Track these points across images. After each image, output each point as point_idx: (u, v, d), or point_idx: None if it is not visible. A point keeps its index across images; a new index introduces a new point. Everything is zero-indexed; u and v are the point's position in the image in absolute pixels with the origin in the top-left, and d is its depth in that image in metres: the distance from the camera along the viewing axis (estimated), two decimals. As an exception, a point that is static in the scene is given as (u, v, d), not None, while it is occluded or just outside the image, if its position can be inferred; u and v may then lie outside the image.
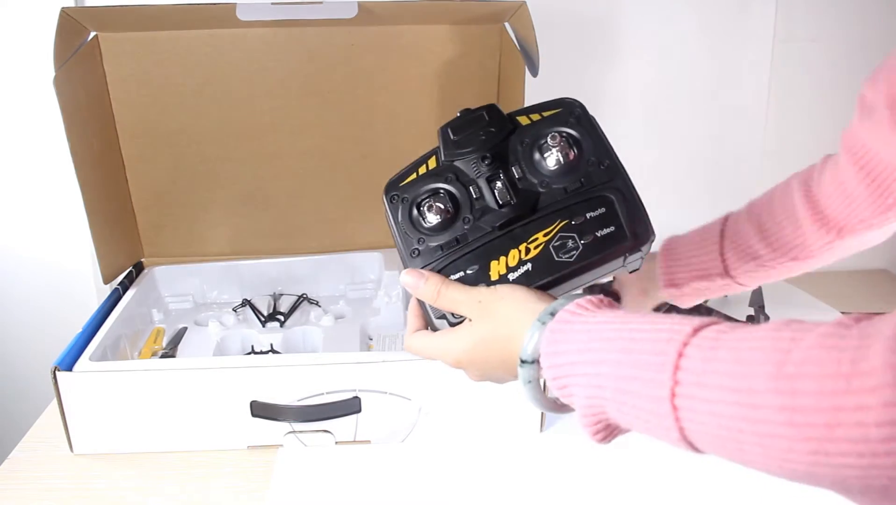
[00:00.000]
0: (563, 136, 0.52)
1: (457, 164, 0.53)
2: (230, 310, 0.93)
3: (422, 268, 0.51)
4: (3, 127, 1.02)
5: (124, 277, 0.92)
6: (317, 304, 0.95)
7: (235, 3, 0.79)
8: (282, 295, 0.96)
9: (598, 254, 0.49)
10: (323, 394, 0.71)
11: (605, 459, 0.71)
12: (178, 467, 0.71)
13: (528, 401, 0.46)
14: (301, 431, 0.72)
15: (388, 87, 0.93)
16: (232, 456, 0.72)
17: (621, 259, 0.50)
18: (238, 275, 0.97)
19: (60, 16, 0.74)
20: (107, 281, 0.89)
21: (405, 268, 0.52)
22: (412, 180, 0.54)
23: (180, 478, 0.69)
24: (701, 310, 0.90)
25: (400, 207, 0.53)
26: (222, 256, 0.98)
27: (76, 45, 0.80)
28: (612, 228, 0.49)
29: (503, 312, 0.47)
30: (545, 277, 0.49)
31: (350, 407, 0.71)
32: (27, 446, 0.74)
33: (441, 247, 0.51)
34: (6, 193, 1.05)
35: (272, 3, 0.81)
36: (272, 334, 0.87)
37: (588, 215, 0.50)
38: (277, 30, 0.87)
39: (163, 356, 0.83)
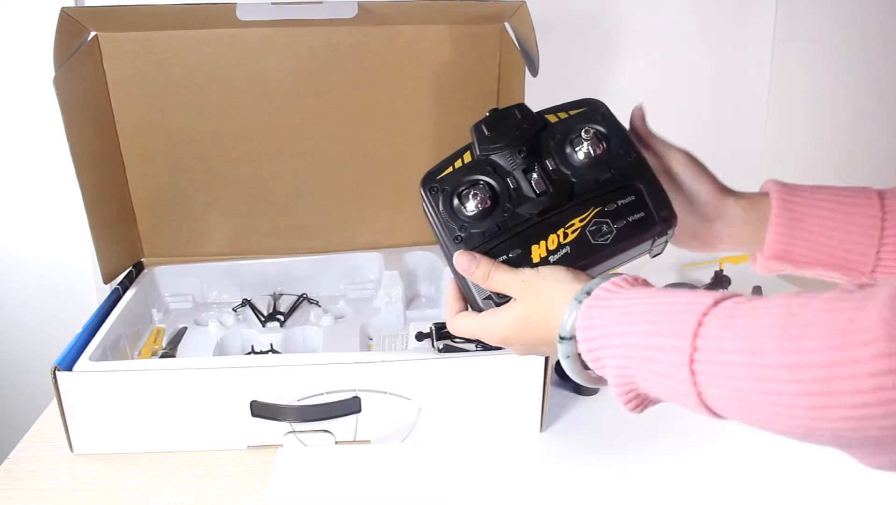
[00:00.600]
0: (594, 132, 0.56)
1: (493, 157, 0.57)
2: (230, 310, 0.93)
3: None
4: (3, 127, 1.01)
5: (124, 277, 0.92)
6: (317, 304, 0.95)
7: (235, 3, 0.79)
8: (282, 295, 0.96)
9: (631, 237, 0.53)
10: (323, 394, 0.71)
11: (605, 460, 0.72)
12: (178, 467, 0.71)
13: (569, 374, 0.48)
14: (301, 431, 0.72)
15: (388, 87, 0.93)
16: (232, 456, 0.72)
17: (650, 242, 0.55)
18: (238, 275, 0.97)
19: (60, 16, 0.74)
20: (107, 281, 0.89)
21: (448, 254, 0.55)
22: (449, 173, 0.58)
23: (180, 478, 0.69)
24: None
25: (441, 197, 0.56)
26: (222, 256, 0.98)
27: (76, 45, 0.80)
28: (641, 214, 0.54)
29: (545, 291, 0.50)
30: (584, 259, 0.53)
31: (350, 407, 0.71)
32: (27, 446, 0.74)
33: (483, 233, 0.54)
34: (6, 193, 1.05)
35: (272, 3, 0.81)
36: (272, 334, 0.87)
37: (619, 202, 0.54)
38: (277, 30, 0.87)
39: (163, 356, 0.83)
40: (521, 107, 0.59)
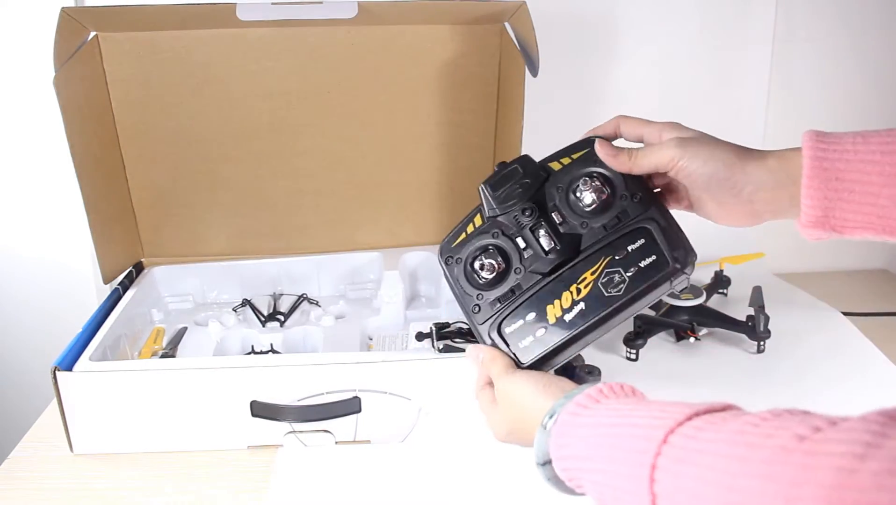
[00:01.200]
0: (594, 177, 0.56)
1: (500, 219, 0.58)
2: (230, 310, 0.93)
3: (482, 323, 0.57)
4: (3, 127, 1.01)
5: (124, 277, 0.92)
6: (317, 304, 0.95)
7: (235, 3, 0.79)
8: (282, 295, 0.96)
9: (644, 283, 0.53)
10: (323, 394, 0.71)
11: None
12: (178, 467, 0.71)
13: (560, 493, 0.48)
14: (301, 431, 0.72)
15: (388, 87, 0.93)
16: (232, 456, 0.72)
17: (668, 284, 0.54)
18: (238, 275, 0.97)
19: (60, 16, 0.74)
20: (107, 281, 0.89)
21: (472, 326, 0.58)
22: (462, 240, 0.59)
23: (180, 478, 0.69)
24: (701, 310, 0.91)
25: (455, 268, 0.58)
26: (222, 256, 0.98)
27: (76, 45, 0.80)
28: (653, 257, 0.53)
29: (518, 402, 0.52)
30: (599, 313, 0.53)
31: (350, 407, 0.71)
32: (27, 446, 0.74)
33: (499, 299, 0.56)
34: (6, 193, 1.05)
35: (272, 3, 0.81)
36: (272, 334, 0.87)
37: (629, 248, 0.54)
38: (277, 30, 0.87)
39: (163, 356, 0.83)
40: (524, 159, 0.59)
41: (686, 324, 0.90)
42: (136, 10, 0.82)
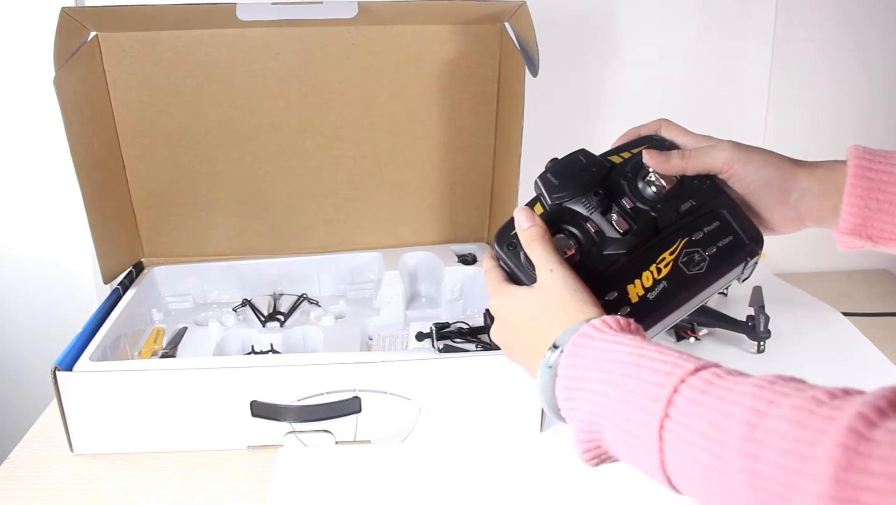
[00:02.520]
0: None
1: (566, 205, 0.55)
2: (230, 310, 0.93)
3: None
4: (3, 127, 1.01)
5: (124, 277, 0.92)
6: (317, 304, 0.95)
7: (235, 3, 0.79)
8: (282, 295, 0.96)
9: (724, 262, 0.53)
10: (323, 394, 0.71)
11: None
12: (178, 467, 0.71)
13: (539, 386, 0.46)
14: (301, 431, 0.72)
15: (388, 87, 0.93)
16: (232, 456, 0.72)
17: (742, 265, 0.54)
18: (238, 275, 0.97)
19: (60, 16, 0.74)
20: (107, 281, 0.89)
21: None
22: None
23: (180, 478, 0.69)
24: (701, 310, 0.91)
25: (522, 252, 0.54)
26: (222, 256, 0.98)
27: (76, 45, 0.80)
28: (730, 238, 0.53)
29: (557, 294, 0.48)
30: (682, 291, 0.52)
31: (350, 407, 0.71)
32: (27, 446, 0.74)
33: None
34: (6, 193, 1.05)
35: (272, 3, 0.81)
36: (272, 334, 0.87)
37: (706, 229, 0.53)
38: (277, 30, 0.87)
39: (163, 356, 0.83)
40: (584, 152, 0.58)
41: (686, 324, 0.90)
42: (136, 10, 0.82)
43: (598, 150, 0.60)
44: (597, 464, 0.44)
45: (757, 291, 0.91)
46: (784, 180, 0.53)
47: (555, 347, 0.45)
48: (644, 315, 0.51)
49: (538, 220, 0.52)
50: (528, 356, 0.49)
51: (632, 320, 0.46)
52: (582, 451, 0.44)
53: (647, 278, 0.52)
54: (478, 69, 0.93)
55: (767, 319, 0.87)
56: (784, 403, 0.33)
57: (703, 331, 0.91)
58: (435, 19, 0.89)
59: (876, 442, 0.28)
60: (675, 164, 0.54)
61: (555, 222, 0.54)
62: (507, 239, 0.55)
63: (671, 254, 0.53)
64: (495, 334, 0.54)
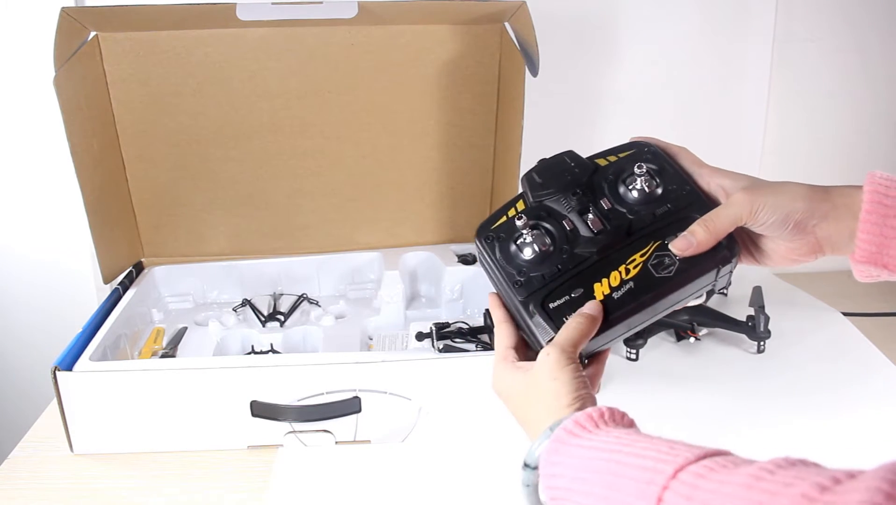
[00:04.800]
0: (646, 168, 0.56)
1: (546, 203, 0.57)
2: (230, 310, 0.93)
3: (524, 297, 0.53)
4: (3, 127, 1.01)
5: (124, 277, 0.92)
6: (317, 304, 0.95)
7: (235, 3, 0.79)
8: (282, 295, 0.96)
9: (694, 267, 0.53)
10: (323, 394, 0.71)
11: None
12: (178, 467, 0.71)
13: (523, 501, 0.46)
14: (301, 431, 0.72)
15: (388, 87, 0.93)
16: (232, 456, 0.72)
17: (714, 272, 0.54)
18: (238, 275, 0.97)
19: (60, 16, 0.74)
20: (107, 281, 0.89)
21: (510, 300, 0.55)
22: (504, 222, 0.58)
23: (180, 478, 0.69)
24: (701, 310, 0.91)
25: (497, 245, 0.56)
26: (222, 256, 0.98)
27: (76, 45, 0.80)
28: None
29: (542, 383, 0.48)
30: (648, 293, 0.52)
31: (350, 407, 0.71)
32: (27, 446, 0.74)
33: (543, 276, 0.54)
34: (6, 193, 1.05)
35: (272, 3, 0.81)
36: (272, 334, 0.87)
37: (678, 234, 0.53)
38: (277, 30, 0.87)
39: (163, 356, 0.83)
40: (570, 153, 0.59)
41: (686, 324, 0.90)
42: (136, 10, 0.82)
43: (598, 150, 0.60)
44: None
45: (757, 291, 0.91)
46: (802, 214, 0.51)
47: (526, 465, 0.45)
48: (607, 313, 0.52)
49: (595, 313, 0.51)
50: (527, 430, 0.50)
51: (608, 409, 0.45)
52: (550, 498, 0.43)
53: (615, 278, 0.53)
54: (478, 69, 0.93)
55: (767, 319, 0.87)
56: (780, 501, 0.31)
57: (703, 331, 0.91)
58: (435, 19, 0.89)
59: None
60: (704, 240, 0.52)
61: (535, 218, 0.56)
62: (486, 231, 0.57)
63: (641, 256, 0.53)
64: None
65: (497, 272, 0.56)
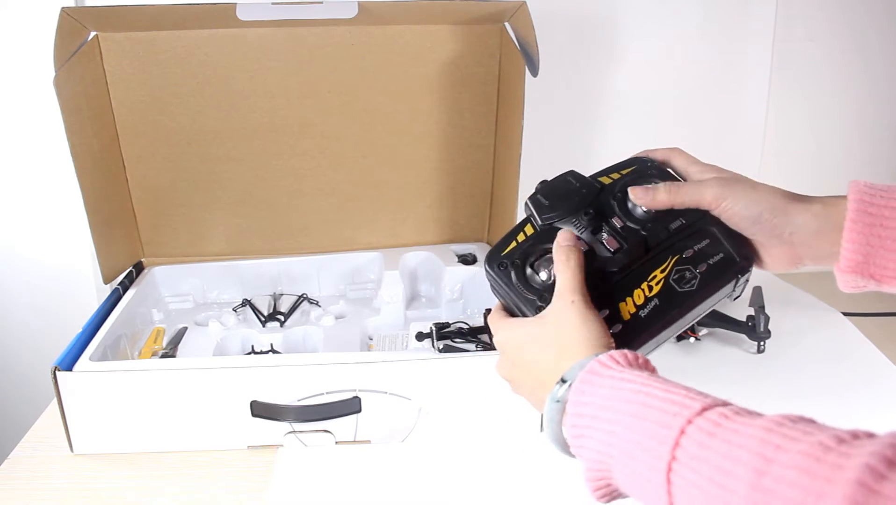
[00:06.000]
0: (654, 185, 0.55)
1: (557, 225, 0.55)
2: (230, 310, 0.93)
3: None
4: (3, 127, 1.01)
5: (124, 277, 0.92)
6: (317, 304, 0.95)
7: (235, 3, 0.79)
8: (282, 295, 0.96)
9: (716, 279, 0.53)
10: (323, 394, 0.71)
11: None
12: (178, 467, 0.71)
13: (547, 420, 0.46)
14: (301, 431, 0.72)
15: (388, 87, 0.93)
16: (232, 456, 0.72)
17: (733, 282, 0.54)
18: (238, 275, 0.97)
19: (60, 16, 0.74)
20: (107, 281, 0.89)
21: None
22: (514, 247, 0.56)
23: (180, 478, 0.69)
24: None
25: (513, 271, 0.54)
26: (222, 256, 0.98)
27: (76, 45, 0.80)
28: (721, 255, 0.53)
29: (571, 326, 0.48)
30: (674, 309, 0.52)
31: (350, 407, 0.71)
32: (27, 446, 0.74)
33: None
34: (6, 193, 1.05)
35: (272, 3, 0.81)
36: (272, 334, 0.87)
37: (696, 247, 0.53)
38: (277, 30, 0.87)
39: (163, 356, 0.83)
40: (573, 173, 0.58)
41: (686, 324, 0.90)
42: (136, 10, 0.82)
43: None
44: (608, 501, 0.44)
45: (757, 291, 0.91)
46: (775, 216, 0.51)
47: (563, 381, 0.45)
48: (636, 333, 0.51)
49: (578, 245, 0.52)
50: (535, 389, 0.49)
51: (640, 354, 0.45)
52: (592, 488, 0.43)
53: (639, 296, 0.52)
54: (478, 69, 0.93)
55: (767, 319, 0.87)
56: (792, 448, 0.32)
57: (703, 331, 0.91)
58: (435, 19, 0.89)
59: (884, 496, 0.28)
60: (661, 200, 0.54)
61: (546, 243, 0.54)
62: (497, 259, 0.55)
63: (662, 272, 0.53)
64: (501, 369, 0.54)
65: (515, 299, 0.54)
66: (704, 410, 0.37)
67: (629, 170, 0.58)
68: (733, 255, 0.53)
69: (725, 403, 0.38)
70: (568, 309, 0.49)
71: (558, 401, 0.45)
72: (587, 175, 0.58)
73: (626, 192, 0.56)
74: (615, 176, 0.58)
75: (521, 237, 0.57)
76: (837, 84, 1.14)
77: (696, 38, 1.10)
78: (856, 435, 0.32)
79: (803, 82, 1.14)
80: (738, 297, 0.57)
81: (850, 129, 1.17)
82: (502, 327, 0.53)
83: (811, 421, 0.34)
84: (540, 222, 0.56)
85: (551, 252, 0.53)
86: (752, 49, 1.11)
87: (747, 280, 0.55)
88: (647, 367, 0.45)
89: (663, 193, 0.54)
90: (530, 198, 0.57)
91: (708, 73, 1.12)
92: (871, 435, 0.31)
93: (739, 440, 0.34)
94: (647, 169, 0.58)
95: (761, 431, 0.34)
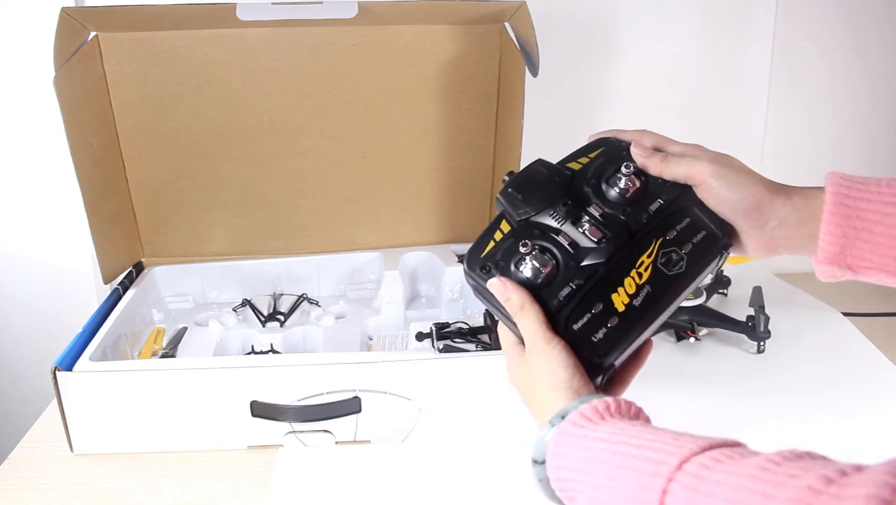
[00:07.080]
0: (628, 167, 0.54)
1: (534, 219, 0.53)
2: (230, 310, 0.93)
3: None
4: (3, 127, 1.01)
5: (124, 277, 0.92)
6: (317, 304, 0.95)
7: (235, 3, 0.79)
8: (282, 295, 0.96)
9: (702, 258, 0.52)
10: (323, 394, 0.71)
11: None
12: (178, 467, 0.71)
13: (535, 481, 0.46)
14: (301, 431, 0.72)
15: (388, 87, 0.93)
16: (232, 456, 0.72)
17: (718, 258, 0.53)
18: (238, 275, 0.97)
19: (60, 16, 0.74)
20: (107, 281, 0.89)
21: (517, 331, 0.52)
22: (493, 248, 0.53)
23: (180, 478, 0.69)
24: (701, 310, 0.91)
25: (498, 274, 0.52)
26: (222, 256, 0.98)
27: (76, 45, 0.80)
28: (703, 233, 0.52)
29: (540, 378, 0.48)
30: (667, 293, 0.51)
31: (350, 407, 0.71)
32: (27, 446, 0.74)
33: (558, 299, 0.51)
34: (6, 193, 1.05)
35: (272, 3, 0.81)
36: (272, 334, 0.87)
37: (678, 228, 0.52)
38: (277, 30, 0.87)
39: (163, 356, 0.83)
40: (542, 161, 0.56)
41: (686, 324, 0.90)
42: (136, 10, 0.82)
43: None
44: None
45: (757, 291, 0.91)
46: (759, 205, 0.50)
47: (534, 461, 0.45)
48: (633, 324, 0.50)
49: (522, 293, 0.50)
50: (534, 413, 0.50)
51: (615, 401, 0.44)
52: (559, 489, 0.43)
53: (630, 285, 0.51)
54: (478, 69, 0.93)
55: (767, 319, 0.87)
56: (780, 494, 0.31)
57: (703, 331, 0.91)
58: (435, 19, 0.89)
59: None
60: (654, 165, 0.53)
61: (526, 239, 0.52)
62: (478, 262, 0.53)
63: (648, 256, 0.52)
64: (509, 376, 0.54)
65: (503, 306, 0.52)
66: (683, 463, 0.36)
67: (597, 152, 0.56)
68: (715, 231, 0.52)
69: (705, 449, 0.37)
70: (535, 358, 0.48)
71: (540, 480, 0.45)
72: (554, 162, 0.56)
73: (600, 177, 0.54)
74: (584, 161, 0.56)
75: (498, 235, 0.54)
76: (837, 84, 1.14)
77: (696, 38, 1.10)
78: (857, 469, 0.30)
79: (803, 82, 1.14)
80: (723, 290, 0.56)
81: (849, 128, 1.17)
82: (508, 362, 0.53)
83: (801, 458, 0.33)
84: (516, 218, 0.53)
85: (534, 249, 0.51)
86: (752, 49, 1.11)
87: (728, 254, 0.54)
88: (629, 412, 0.44)
89: (657, 159, 0.53)
90: (501, 192, 0.54)
91: (708, 73, 1.12)
92: (867, 467, 0.30)
93: (723, 493, 0.33)
94: (620, 148, 0.55)
95: (749, 478, 0.33)
